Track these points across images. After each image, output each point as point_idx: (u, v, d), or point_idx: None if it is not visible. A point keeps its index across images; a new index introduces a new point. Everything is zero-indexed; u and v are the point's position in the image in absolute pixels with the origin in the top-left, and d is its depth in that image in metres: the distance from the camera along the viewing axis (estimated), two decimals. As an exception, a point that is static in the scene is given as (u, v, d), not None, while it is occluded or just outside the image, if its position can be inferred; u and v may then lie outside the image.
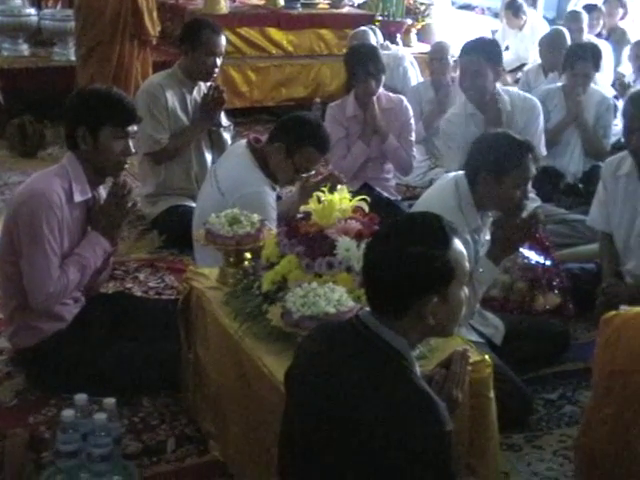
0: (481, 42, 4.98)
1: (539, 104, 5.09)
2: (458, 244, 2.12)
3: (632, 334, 2.21)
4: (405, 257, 2.04)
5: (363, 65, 5.14)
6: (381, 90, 5.30)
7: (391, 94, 5.44)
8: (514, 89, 5.52)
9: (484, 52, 4.74)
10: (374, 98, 5.22)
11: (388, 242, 2.12)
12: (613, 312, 2.36)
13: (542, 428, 3.41)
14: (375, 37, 6.98)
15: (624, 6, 9.46)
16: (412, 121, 5.42)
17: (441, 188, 3.68)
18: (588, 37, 8.03)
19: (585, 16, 8.15)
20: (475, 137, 4.65)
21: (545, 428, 3.41)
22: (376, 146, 5.31)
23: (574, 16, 8.29)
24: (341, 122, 5.34)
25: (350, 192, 3.15)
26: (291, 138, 3.89)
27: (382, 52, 6.29)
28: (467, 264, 2.17)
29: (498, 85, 4.96)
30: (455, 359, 2.30)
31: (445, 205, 3.48)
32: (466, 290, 2.21)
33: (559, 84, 5.95)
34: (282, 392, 2.41)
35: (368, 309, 2.19)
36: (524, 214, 3.51)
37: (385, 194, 5.39)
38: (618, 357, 2.20)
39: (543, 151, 5.10)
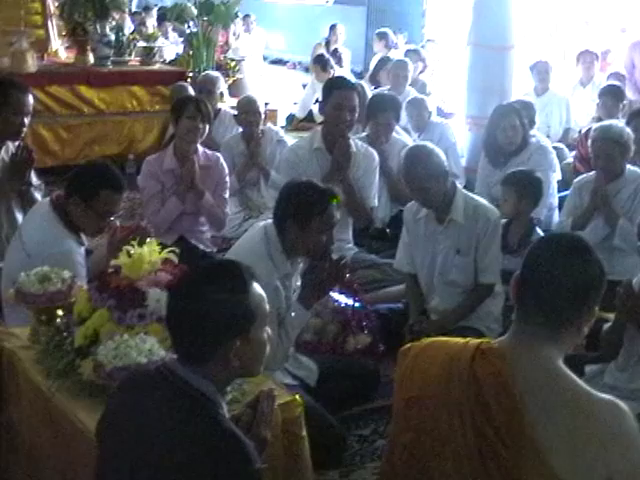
0: None
1: (377, 158, 5.39)
2: (257, 288, 2.22)
3: (425, 363, 2.35)
4: (205, 305, 2.12)
5: (195, 103, 5.22)
6: (199, 147, 5.35)
7: (208, 151, 5.50)
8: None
9: None
10: (194, 157, 5.25)
11: (189, 291, 2.19)
12: (409, 344, 2.50)
13: (356, 463, 3.55)
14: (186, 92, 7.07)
15: (423, 60, 10.01)
16: (227, 179, 5.51)
17: (251, 236, 3.79)
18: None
19: (411, 65, 8.67)
20: (315, 171, 5.02)
21: (359, 463, 3.54)
22: (191, 202, 5.31)
23: (400, 65, 8.75)
24: (157, 176, 5.30)
25: (160, 245, 3.20)
26: (83, 188, 3.85)
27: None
28: (267, 306, 2.27)
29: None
30: (262, 399, 2.38)
31: (255, 253, 3.60)
32: (269, 330, 2.30)
33: (363, 134, 6.23)
34: (98, 446, 2.42)
35: (175, 356, 2.26)
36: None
37: (201, 246, 5.44)
38: (414, 386, 2.33)
39: (376, 202, 5.34)
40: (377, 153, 5.93)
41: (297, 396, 2.94)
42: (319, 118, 10.10)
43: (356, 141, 5.31)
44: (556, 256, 2.23)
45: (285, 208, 3.63)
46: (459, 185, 4.57)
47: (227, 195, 5.47)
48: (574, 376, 2.20)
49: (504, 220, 5.14)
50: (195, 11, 8.49)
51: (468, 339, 2.35)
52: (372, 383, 4.03)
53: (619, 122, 5.41)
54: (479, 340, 2.32)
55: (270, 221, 3.71)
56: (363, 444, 3.67)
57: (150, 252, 3.14)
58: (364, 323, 4.19)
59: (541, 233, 5.11)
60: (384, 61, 9.69)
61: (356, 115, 5.19)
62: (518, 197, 5.07)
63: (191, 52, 8.70)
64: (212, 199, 5.30)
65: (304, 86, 11.31)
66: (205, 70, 8.24)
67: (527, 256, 2.30)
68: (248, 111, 6.28)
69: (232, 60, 8.91)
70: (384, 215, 5.99)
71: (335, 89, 5.15)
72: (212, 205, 5.30)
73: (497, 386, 2.16)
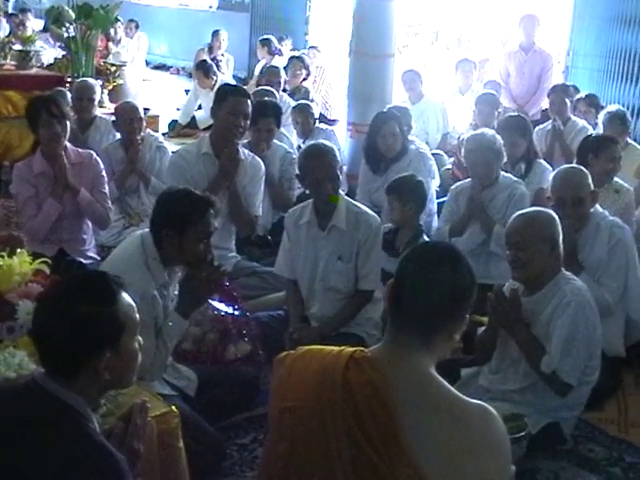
0: None
1: (264, 167, 5.38)
2: (126, 297, 2.18)
3: (300, 372, 2.35)
4: (72, 318, 2.08)
5: (46, 108, 5.04)
6: (69, 145, 5.23)
7: (80, 149, 5.39)
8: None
9: None
10: (62, 152, 5.12)
11: (55, 304, 2.14)
12: (284, 353, 2.49)
13: (236, 472, 3.53)
14: (65, 100, 6.89)
15: (307, 67, 10.07)
16: (104, 173, 5.38)
17: (127, 245, 3.73)
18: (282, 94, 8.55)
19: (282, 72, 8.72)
20: (202, 176, 5.02)
21: (239, 472, 3.52)
22: (69, 202, 5.16)
23: (273, 71, 8.78)
24: (29, 180, 5.13)
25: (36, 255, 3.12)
26: None
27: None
28: (137, 315, 2.24)
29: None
30: (134, 411, 2.35)
31: (131, 262, 3.54)
32: (140, 339, 2.27)
33: (244, 141, 6.21)
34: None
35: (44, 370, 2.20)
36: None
37: (81, 260, 5.29)
38: (288, 395, 2.32)
39: (260, 212, 5.33)
40: (261, 160, 5.96)
41: (173, 407, 2.90)
42: (202, 124, 10.06)
43: (243, 149, 5.30)
44: (428, 265, 2.26)
45: (162, 216, 3.58)
46: (341, 192, 4.60)
47: (106, 190, 5.36)
48: (446, 383, 2.22)
49: (392, 226, 5.23)
50: (73, 15, 8.30)
51: (342, 348, 2.35)
52: (252, 391, 4.01)
53: (489, 130, 5.54)
54: (353, 349, 2.32)
55: (147, 230, 3.66)
56: (243, 453, 3.66)
57: (21, 263, 3.06)
58: (244, 331, 4.17)
59: (427, 238, 5.21)
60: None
61: (248, 122, 5.18)
62: (402, 204, 5.14)
63: (69, 57, 8.49)
64: (89, 196, 5.19)
65: (187, 92, 11.21)
66: (84, 75, 8.07)
67: (400, 265, 2.33)
68: (127, 117, 6.17)
69: (112, 65, 8.74)
70: (266, 222, 5.98)
71: (230, 95, 5.13)
72: (90, 202, 5.17)
73: (370, 395, 2.17)
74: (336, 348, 2.37)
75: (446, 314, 2.25)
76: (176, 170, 5.14)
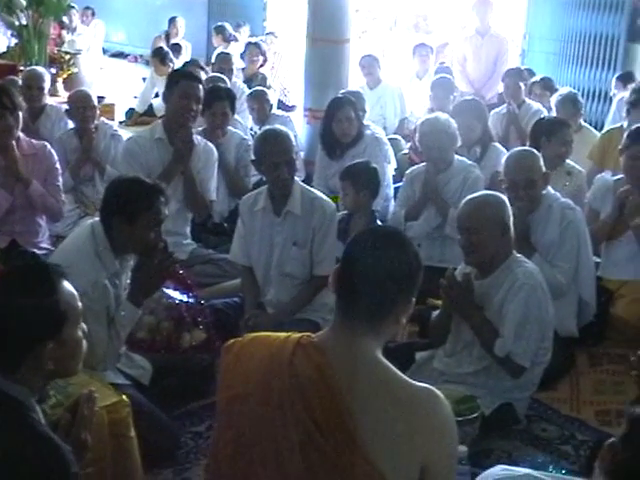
0: None
1: (216, 152, 5.36)
2: (67, 286, 2.16)
3: (247, 359, 2.34)
4: (11, 310, 2.06)
5: None
6: (22, 135, 5.16)
7: (33, 140, 5.33)
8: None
9: None
10: (14, 143, 5.05)
11: (-6, 296, 2.12)
12: (232, 340, 2.49)
13: (191, 460, 3.52)
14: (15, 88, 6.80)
15: (264, 53, 10.03)
16: (57, 166, 5.34)
17: (77, 235, 3.70)
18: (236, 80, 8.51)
19: (237, 59, 8.68)
20: (156, 162, 5.00)
21: (194, 460, 3.51)
22: (21, 194, 5.09)
23: (224, 58, 8.74)
24: (-22, 172, 5.11)
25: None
26: None
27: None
28: (79, 304, 2.22)
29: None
30: (81, 402, 2.33)
31: (81, 252, 3.52)
32: (84, 327, 2.26)
33: (200, 128, 6.18)
34: None
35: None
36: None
37: (33, 250, 5.22)
38: (236, 382, 2.31)
39: (214, 196, 5.31)
40: (214, 147, 5.93)
41: (124, 396, 2.89)
42: (159, 112, 9.94)
43: (196, 135, 5.28)
44: (372, 249, 2.25)
45: (111, 205, 3.56)
46: (296, 178, 4.59)
47: (60, 183, 5.31)
48: (392, 367, 2.22)
49: (346, 212, 5.23)
50: (24, 2, 8.19)
51: (290, 334, 2.34)
52: (207, 379, 4.00)
53: (443, 114, 5.56)
54: (300, 334, 2.32)
55: (97, 219, 3.63)
56: (198, 441, 3.65)
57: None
58: (199, 319, 4.15)
59: (380, 223, 5.22)
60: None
61: (200, 107, 5.18)
62: (356, 190, 5.15)
63: (22, 45, 8.39)
64: (41, 188, 5.12)
65: (145, 80, 11.12)
66: (37, 64, 7.98)
67: (345, 250, 2.33)
68: (79, 106, 6.11)
69: (67, 53, 8.64)
70: (222, 209, 5.97)
71: (182, 79, 5.14)
72: (42, 194, 5.11)
73: (317, 380, 2.17)
74: (283, 334, 2.37)
75: (392, 298, 2.24)
76: (130, 156, 5.11)
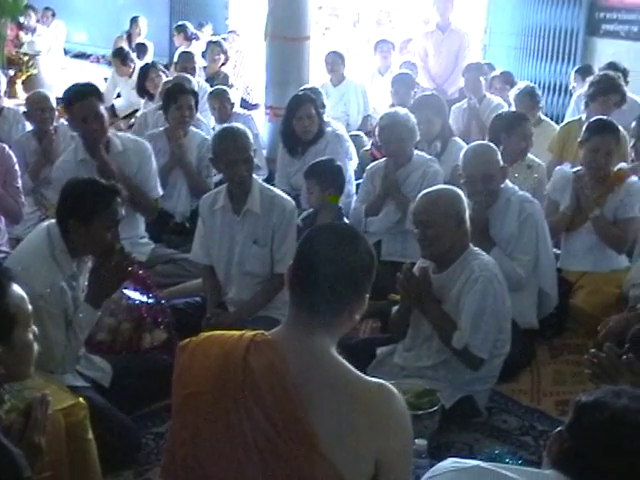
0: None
1: (150, 146, 5.30)
2: (16, 290, 2.15)
3: (202, 358, 2.34)
4: None
5: None
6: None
7: None
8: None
9: None
10: None
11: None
12: (187, 339, 2.48)
13: (152, 461, 3.50)
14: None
15: (225, 52, 10.01)
16: (17, 167, 5.29)
17: (33, 237, 3.68)
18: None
19: (199, 57, 8.69)
20: None
21: (155, 461, 3.49)
22: (-22, 196, 5.10)
23: (187, 57, 8.72)
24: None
25: None
26: None
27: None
28: (29, 307, 2.21)
29: (111, 131, 5.10)
30: (35, 405, 2.32)
31: (37, 255, 3.51)
32: (35, 330, 2.25)
33: (161, 128, 6.17)
34: None
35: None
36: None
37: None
38: (191, 381, 2.31)
39: (160, 191, 5.28)
40: (176, 147, 5.91)
41: (81, 399, 2.88)
42: (121, 112, 9.94)
43: (123, 138, 5.20)
44: (327, 246, 2.25)
45: (67, 206, 3.55)
46: (255, 176, 4.59)
47: (19, 184, 5.26)
48: (346, 363, 2.23)
49: (311, 210, 5.24)
50: (-21, 4, 8.12)
51: (244, 332, 2.34)
52: (168, 379, 3.96)
53: (402, 109, 5.59)
54: (254, 332, 2.32)
55: (53, 221, 3.61)
56: (159, 442, 3.63)
57: None
58: (159, 319, 4.14)
59: (347, 220, 5.23)
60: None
61: (104, 120, 4.97)
62: (322, 188, 5.15)
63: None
64: (1, 189, 5.09)
65: (105, 80, 11.04)
66: (-5, 65, 7.92)
67: (299, 246, 2.33)
68: (37, 108, 6.09)
69: (25, 55, 8.56)
70: (184, 210, 5.97)
71: (76, 101, 4.92)
72: (1, 196, 5.09)
73: (271, 377, 2.17)
74: (237, 332, 2.37)
75: (345, 295, 2.24)
76: (59, 184, 4.98)
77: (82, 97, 4.89)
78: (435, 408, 3.49)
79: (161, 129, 6.17)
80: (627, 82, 6.80)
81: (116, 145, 5.03)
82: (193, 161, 6.00)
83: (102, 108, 4.96)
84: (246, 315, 4.35)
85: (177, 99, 5.90)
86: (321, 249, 2.26)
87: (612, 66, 7.12)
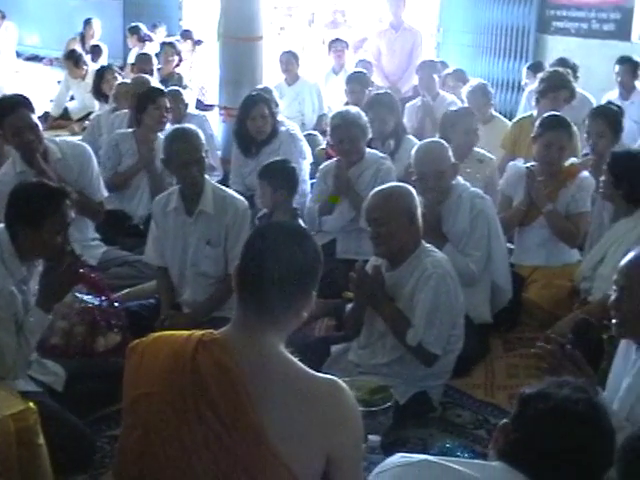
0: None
1: (89, 148, 5.23)
2: None
3: (151, 359, 2.33)
4: None
5: None
6: None
7: None
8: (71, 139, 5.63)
9: None
10: None
11: None
12: (136, 340, 2.47)
13: (107, 465, 3.47)
14: None
15: (179, 54, 9.98)
16: None
17: (-19, 243, 3.63)
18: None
19: (154, 59, 8.65)
20: None
21: (110, 464, 3.45)
22: None
23: (145, 58, 8.69)
24: None
25: None
26: None
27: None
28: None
29: (46, 136, 5.03)
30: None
31: (-15, 259, 3.47)
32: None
33: (130, 130, 6.13)
34: None
35: None
36: None
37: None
38: (141, 382, 2.31)
39: (104, 193, 5.23)
40: (146, 150, 5.87)
41: (31, 404, 2.85)
42: (75, 115, 9.86)
43: (60, 144, 5.12)
44: (273, 244, 2.26)
45: (16, 211, 3.52)
46: (207, 177, 4.57)
47: None
48: (295, 360, 2.24)
49: (266, 210, 5.23)
50: None
51: (192, 332, 2.34)
52: (122, 382, 3.96)
53: (354, 107, 5.61)
54: (202, 332, 2.32)
55: (1, 225, 3.58)
56: (114, 445, 3.58)
57: None
58: (113, 322, 4.12)
59: (301, 221, 5.23)
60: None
61: (39, 130, 4.87)
62: (273, 189, 5.14)
63: None
64: None
65: (59, 83, 10.94)
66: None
67: (245, 245, 2.33)
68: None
69: (-26, 58, 8.45)
70: (144, 213, 5.91)
71: (7, 116, 4.78)
72: None
73: (219, 377, 2.17)
74: (186, 332, 2.37)
75: (292, 292, 2.25)
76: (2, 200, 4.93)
77: (12, 110, 4.76)
78: (389, 404, 3.50)
79: (129, 130, 6.13)
80: (577, 78, 6.89)
81: (54, 152, 4.95)
82: (158, 165, 5.97)
83: (34, 118, 4.84)
84: (201, 316, 4.33)
85: (156, 100, 5.89)
86: (268, 247, 2.26)
87: (562, 62, 7.21)
